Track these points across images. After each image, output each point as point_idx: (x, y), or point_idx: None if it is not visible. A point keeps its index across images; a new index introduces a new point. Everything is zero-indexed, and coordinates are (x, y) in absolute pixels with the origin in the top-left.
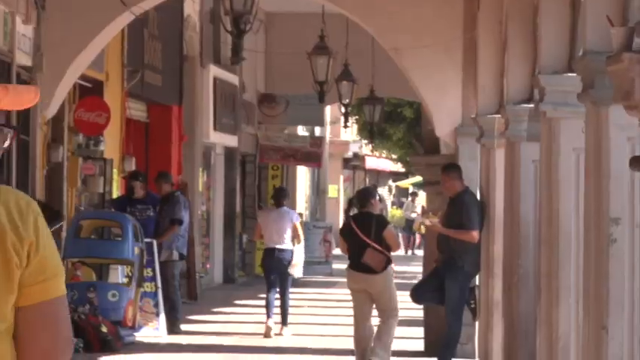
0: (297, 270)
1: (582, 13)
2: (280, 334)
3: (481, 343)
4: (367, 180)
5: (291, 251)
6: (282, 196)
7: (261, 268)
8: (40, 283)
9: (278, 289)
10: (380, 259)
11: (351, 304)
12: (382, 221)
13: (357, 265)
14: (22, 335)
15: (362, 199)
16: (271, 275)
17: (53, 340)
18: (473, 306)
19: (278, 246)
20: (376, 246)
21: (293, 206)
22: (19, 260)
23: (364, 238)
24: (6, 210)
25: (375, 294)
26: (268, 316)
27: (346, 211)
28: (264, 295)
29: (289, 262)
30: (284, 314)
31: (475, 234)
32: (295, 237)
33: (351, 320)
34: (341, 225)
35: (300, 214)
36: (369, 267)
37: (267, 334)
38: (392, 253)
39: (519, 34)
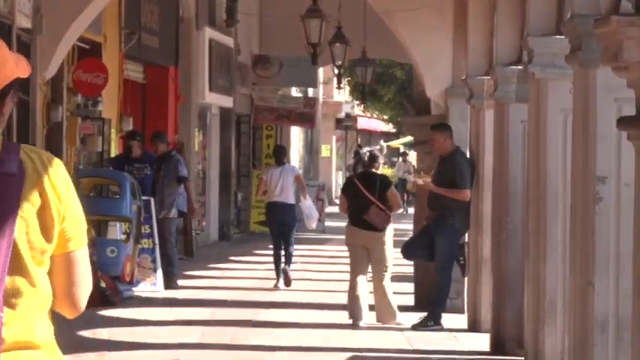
0: (313, 223)
1: None
2: (288, 286)
3: (470, 298)
4: (359, 139)
5: (295, 205)
6: (283, 154)
7: (267, 223)
8: (71, 238)
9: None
10: (383, 217)
11: (343, 260)
12: (386, 181)
13: (359, 221)
14: (54, 273)
15: (370, 159)
16: (276, 230)
17: (80, 280)
18: (462, 262)
19: (282, 200)
20: (380, 205)
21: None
22: (55, 221)
23: (369, 196)
24: (47, 178)
25: (373, 250)
26: (278, 275)
27: (354, 168)
28: (259, 252)
29: (291, 216)
30: (288, 261)
31: (468, 193)
32: (302, 189)
33: (344, 276)
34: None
35: None
36: (371, 224)
37: (276, 287)
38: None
39: None
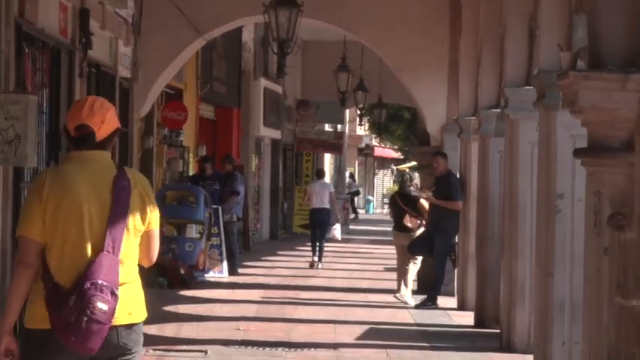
0: (337, 232)
1: (538, 42)
2: (318, 268)
3: (459, 284)
4: (375, 164)
5: (329, 210)
6: (322, 174)
7: (309, 222)
8: (151, 223)
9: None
10: (415, 222)
11: (362, 254)
12: (414, 198)
13: (399, 226)
14: (142, 243)
15: (406, 182)
16: (315, 227)
17: (154, 246)
18: (453, 257)
19: (320, 206)
20: (412, 213)
21: None
22: (146, 213)
23: (405, 208)
24: (141, 186)
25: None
26: (314, 254)
27: (399, 188)
28: (300, 248)
29: (327, 218)
30: (320, 254)
31: (460, 203)
32: (332, 202)
33: (363, 266)
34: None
35: None
36: (406, 227)
37: (311, 265)
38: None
39: (490, 57)
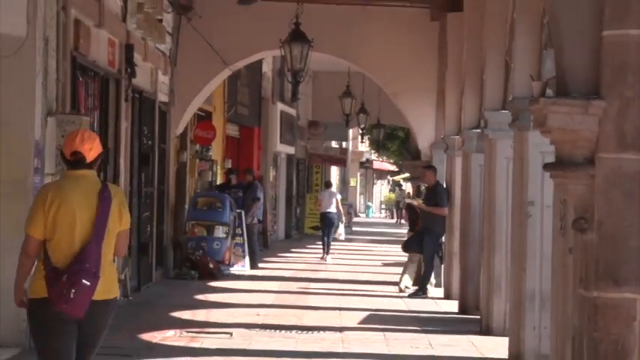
0: (341, 235)
1: (512, 73)
2: (326, 260)
3: (445, 277)
4: (374, 175)
5: (335, 213)
6: (330, 184)
7: (320, 223)
8: (124, 225)
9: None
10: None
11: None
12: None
13: (413, 228)
14: (116, 239)
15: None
16: (324, 227)
17: (124, 241)
18: (440, 255)
19: (328, 210)
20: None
21: None
22: (121, 218)
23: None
24: (119, 198)
25: None
26: (324, 252)
27: (409, 197)
28: (310, 246)
29: (334, 220)
30: (327, 249)
31: (446, 210)
32: (338, 207)
33: (365, 262)
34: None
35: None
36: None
37: (322, 258)
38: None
39: (472, 85)
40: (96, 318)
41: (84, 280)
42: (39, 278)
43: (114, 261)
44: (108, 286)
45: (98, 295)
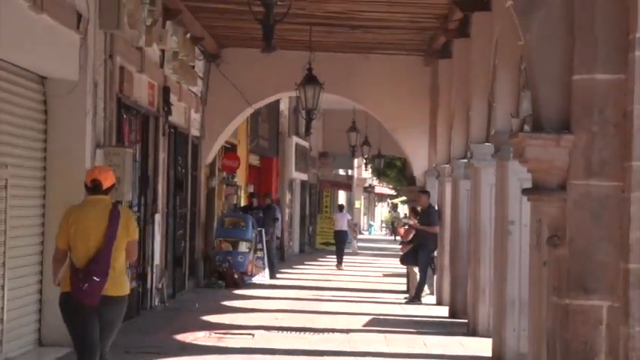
0: (354, 247)
1: (494, 111)
2: (340, 268)
3: (437, 286)
4: (375, 199)
5: (347, 232)
6: (342, 207)
7: (334, 239)
8: (131, 236)
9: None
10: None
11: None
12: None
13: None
14: (127, 247)
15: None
16: (338, 242)
17: (134, 251)
18: (433, 267)
19: (340, 229)
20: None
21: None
22: (128, 230)
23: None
24: (126, 215)
25: None
26: (338, 262)
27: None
28: (321, 259)
29: (345, 236)
30: (341, 259)
31: (437, 228)
32: (349, 226)
33: (369, 273)
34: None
35: None
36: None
37: (337, 267)
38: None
39: (459, 121)
40: (111, 310)
41: (94, 277)
42: (65, 277)
43: (127, 267)
44: (118, 286)
45: (110, 291)
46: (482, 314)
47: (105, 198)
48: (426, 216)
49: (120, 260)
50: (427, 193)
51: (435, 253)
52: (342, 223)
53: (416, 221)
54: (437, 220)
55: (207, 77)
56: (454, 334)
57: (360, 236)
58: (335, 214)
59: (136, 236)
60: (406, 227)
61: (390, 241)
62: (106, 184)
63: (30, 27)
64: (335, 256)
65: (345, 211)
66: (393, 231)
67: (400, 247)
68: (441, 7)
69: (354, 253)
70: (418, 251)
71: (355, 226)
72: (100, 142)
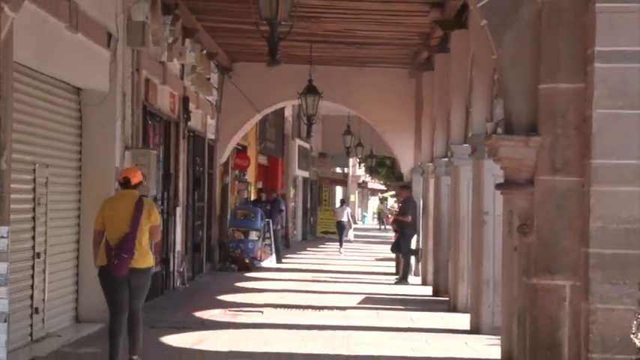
0: (351, 236)
1: (471, 116)
2: (341, 252)
3: (422, 269)
4: (368, 193)
5: (347, 221)
6: (343, 201)
7: (336, 228)
8: (153, 221)
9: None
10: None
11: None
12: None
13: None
14: (150, 230)
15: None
16: (339, 231)
17: (157, 233)
18: (419, 254)
19: (341, 219)
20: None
21: (333, 205)
22: (150, 217)
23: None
24: (148, 205)
25: None
26: (340, 247)
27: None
28: (321, 246)
29: (345, 226)
30: (341, 245)
31: (409, 217)
32: (348, 217)
33: (361, 258)
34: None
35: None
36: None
37: (339, 252)
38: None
39: (441, 125)
40: (138, 279)
41: (123, 254)
42: (102, 252)
43: (151, 248)
44: (143, 259)
45: (136, 264)
46: (461, 293)
47: (133, 192)
48: (403, 208)
49: (144, 240)
50: (406, 187)
51: (420, 244)
52: (342, 214)
53: (394, 212)
54: (409, 212)
55: (221, 88)
56: (437, 310)
57: (354, 226)
58: (337, 207)
59: (158, 222)
60: (390, 218)
61: (378, 230)
62: (134, 181)
63: (67, 45)
64: (337, 243)
65: (345, 204)
66: (381, 221)
67: (393, 235)
68: (424, 27)
69: (349, 241)
70: (400, 239)
71: (350, 217)
72: (128, 145)
